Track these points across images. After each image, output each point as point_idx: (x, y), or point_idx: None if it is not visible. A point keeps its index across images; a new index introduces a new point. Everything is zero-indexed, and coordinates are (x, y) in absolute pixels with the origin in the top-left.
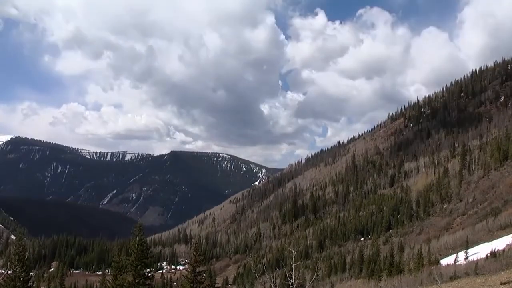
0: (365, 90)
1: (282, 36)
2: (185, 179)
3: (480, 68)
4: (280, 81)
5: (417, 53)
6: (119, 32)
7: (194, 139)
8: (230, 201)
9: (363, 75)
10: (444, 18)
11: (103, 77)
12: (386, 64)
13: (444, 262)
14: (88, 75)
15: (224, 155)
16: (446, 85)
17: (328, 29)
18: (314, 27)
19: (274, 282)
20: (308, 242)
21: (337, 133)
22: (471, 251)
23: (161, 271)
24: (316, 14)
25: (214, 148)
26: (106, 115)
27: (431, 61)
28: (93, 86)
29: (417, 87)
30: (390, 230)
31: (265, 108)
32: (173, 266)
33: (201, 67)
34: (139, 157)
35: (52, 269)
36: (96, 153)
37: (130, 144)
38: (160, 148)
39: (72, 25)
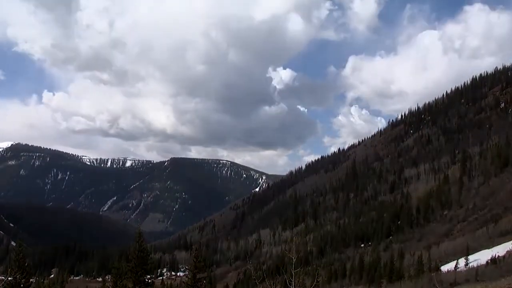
0: None
1: None
2: (185, 186)
3: (481, 74)
4: None
5: None
6: None
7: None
8: (231, 207)
9: None
10: None
11: None
12: None
13: (444, 268)
14: None
15: (224, 161)
16: (447, 92)
17: None
18: None
19: None
20: (309, 248)
21: None
22: (471, 257)
23: (161, 277)
24: None
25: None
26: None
27: None
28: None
29: None
30: (391, 237)
31: None
32: (173, 273)
33: None
34: (139, 164)
35: (52, 276)
36: (96, 159)
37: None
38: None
39: None
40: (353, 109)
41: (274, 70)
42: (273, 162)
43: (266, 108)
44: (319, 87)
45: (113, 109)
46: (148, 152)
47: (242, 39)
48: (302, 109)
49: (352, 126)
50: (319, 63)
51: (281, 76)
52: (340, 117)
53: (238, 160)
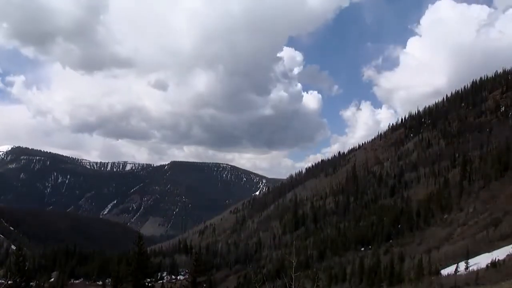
0: None
1: None
2: (185, 189)
3: (481, 78)
4: None
5: None
6: None
7: None
8: (231, 211)
9: None
10: None
11: None
12: None
13: (444, 272)
14: None
15: (225, 165)
16: (447, 95)
17: None
18: None
19: None
20: (309, 252)
21: None
22: (471, 261)
23: (161, 281)
24: None
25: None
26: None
27: None
28: None
29: None
30: (391, 241)
31: None
32: (173, 276)
33: None
34: (139, 167)
35: (52, 279)
36: (96, 163)
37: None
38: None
39: None
40: (367, 104)
41: (280, 52)
42: (276, 164)
43: (267, 102)
44: (328, 75)
45: (96, 102)
46: (139, 151)
47: (246, 15)
48: (307, 104)
49: (368, 123)
50: (327, 48)
51: (287, 60)
52: (349, 112)
53: (236, 163)
